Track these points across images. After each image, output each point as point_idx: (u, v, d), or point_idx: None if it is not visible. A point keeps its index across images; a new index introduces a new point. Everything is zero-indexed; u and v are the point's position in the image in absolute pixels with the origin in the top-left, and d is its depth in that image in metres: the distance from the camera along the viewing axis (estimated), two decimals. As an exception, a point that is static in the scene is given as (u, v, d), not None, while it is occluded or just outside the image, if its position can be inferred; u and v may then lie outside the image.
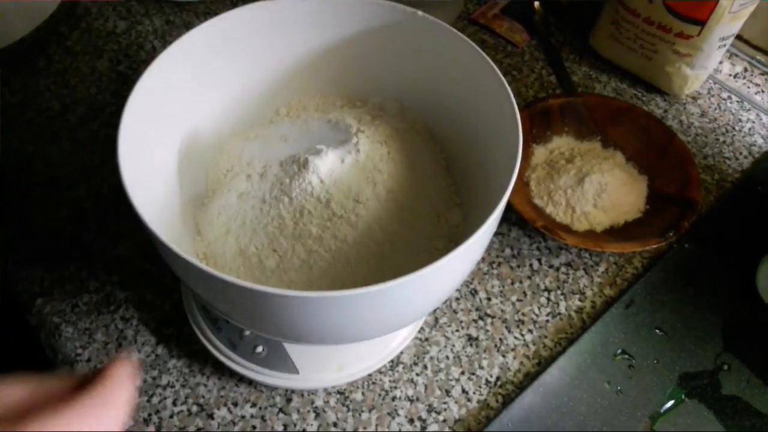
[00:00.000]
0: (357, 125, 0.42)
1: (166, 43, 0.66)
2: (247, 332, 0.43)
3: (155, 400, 0.44)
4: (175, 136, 0.43)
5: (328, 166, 0.39)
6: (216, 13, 0.69)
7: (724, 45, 0.58)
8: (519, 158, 0.35)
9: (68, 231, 0.52)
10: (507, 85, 0.39)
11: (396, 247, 0.41)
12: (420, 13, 0.42)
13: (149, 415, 0.43)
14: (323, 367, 0.43)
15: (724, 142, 0.60)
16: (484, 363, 0.45)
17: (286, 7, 0.43)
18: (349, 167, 0.39)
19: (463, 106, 0.44)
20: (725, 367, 0.46)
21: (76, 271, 0.50)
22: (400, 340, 0.44)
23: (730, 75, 0.65)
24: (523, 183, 0.54)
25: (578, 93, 0.58)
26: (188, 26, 0.68)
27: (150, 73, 0.38)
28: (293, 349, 0.43)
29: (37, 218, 0.53)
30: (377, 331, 0.39)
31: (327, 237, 0.39)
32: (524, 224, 0.53)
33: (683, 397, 0.44)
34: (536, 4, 0.69)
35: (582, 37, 0.67)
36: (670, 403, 0.44)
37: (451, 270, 0.35)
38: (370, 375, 0.45)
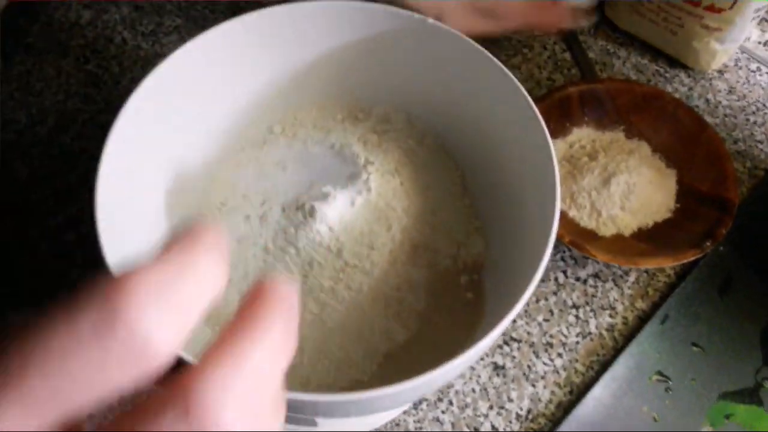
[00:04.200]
0: (364, 153, 0.37)
1: (136, 33, 0.59)
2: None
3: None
4: (161, 168, 0.38)
5: (338, 211, 0.34)
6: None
7: (758, 16, 0.52)
8: (557, 206, 0.31)
9: (51, 268, 0.47)
10: (532, 103, 0.35)
11: (415, 289, 0.37)
12: (430, 20, 0.36)
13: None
14: (344, 421, 0.40)
15: (755, 122, 0.55)
16: (513, 395, 0.43)
17: (282, 16, 0.37)
18: (360, 210, 0.35)
19: (479, 118, 0.40)
20: (766, 383, 0.43)
21: (63, 313, 0.46)
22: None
23: (760, 42, 0.60)
24: (542, 184, 0.50)
25: (600, 79, 0.53)
26: (159, 12, 0.61)
27: (135, 98, 0.33)
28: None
29: (15, 254, 0.48)
30: (402, 403, 0.37)
31: (340, 288, 0.35)
32: (546, 232, 0.49)
33: (723, 418, 0.42)
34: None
35: (597, 6, 0.61)
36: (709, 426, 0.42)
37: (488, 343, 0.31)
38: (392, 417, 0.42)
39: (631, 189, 0.48)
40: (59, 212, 0.50)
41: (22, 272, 0.47)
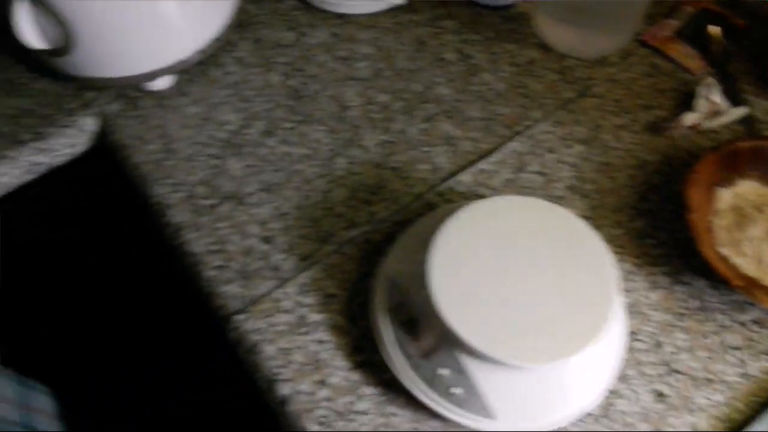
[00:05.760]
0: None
1: (334, 57, 0.67)
2: (443, 372, 0.45)
3: (353, 425, 0.47)
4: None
5: None
6: (377, 26, 0.70)
7: None
8: None
9: (258, 250, 0.55)
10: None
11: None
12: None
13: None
14: (518, 415, 0.44)
15: None
16: (673, 421, 0.46)
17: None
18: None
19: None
20: None
21: (268, 291, 0.53)
22: (597, 392, 0.45)
23: None
24: (706, 229, 0.53)
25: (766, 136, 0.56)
26: (352, 40, 0.69)
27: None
28: (489, 394, 0.44)
29: (227, 235, 0.56)
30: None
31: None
32: (710, 274, 0.52)
33: None
34: (711, 29, 0.66)
35: (764, 65, 0.64)
36: None
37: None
38: (558, 423, 0.46)
39: (798, 244, 0.50)
40: (265, 204, 0.58)
41: (234, 251, 0.55)
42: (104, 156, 0.65)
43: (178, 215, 0.57)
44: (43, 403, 0.66)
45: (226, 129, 0.63)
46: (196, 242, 0.56)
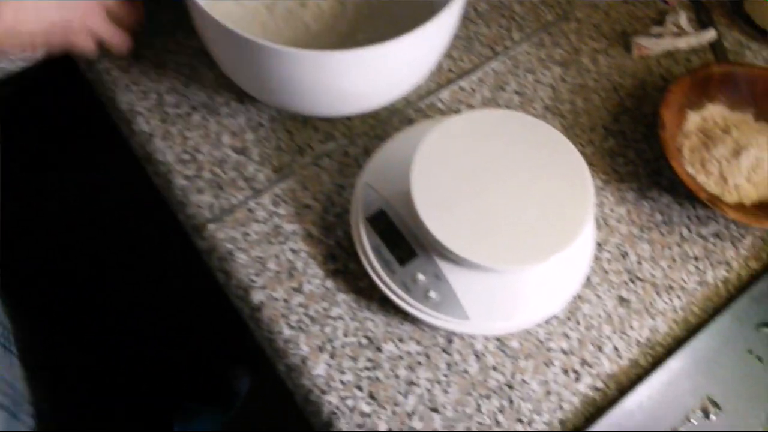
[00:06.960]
0: None
1: None
2: (421, 277, 0.46)
3: (327, 330, 0.47)
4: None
5: None
6: None
7: None
8: None
9: (231, 160, 0.54)
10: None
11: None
12: None
13: (323, 342, 0.47)
14: (490, 316, 0.46)
15: None
16: (635, 324, 0.48)
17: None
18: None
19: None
20: None
21: (243, 200, 0.52)
22: (564, 297, 0.47)
23: None
24: (676, 148, 0.55)
25: (741, 63, 0.57)
26: None
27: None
28: (464, 297, 0.46)
29: (199, 145, 0.55)
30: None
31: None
32: (675, 191, 0.54)
33: (822, 372, 0.47)
34: (689, -43, 0.67)
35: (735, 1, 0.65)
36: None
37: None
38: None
39: (760, 163, 0.52)
40: (240, 115, 0.56)
41: (204, 161, 0.54)
42: (67, 63, 0.62)
43: (147, 123, 0.55)
44: None
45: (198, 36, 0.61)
46: (167, 151, 0.54)
